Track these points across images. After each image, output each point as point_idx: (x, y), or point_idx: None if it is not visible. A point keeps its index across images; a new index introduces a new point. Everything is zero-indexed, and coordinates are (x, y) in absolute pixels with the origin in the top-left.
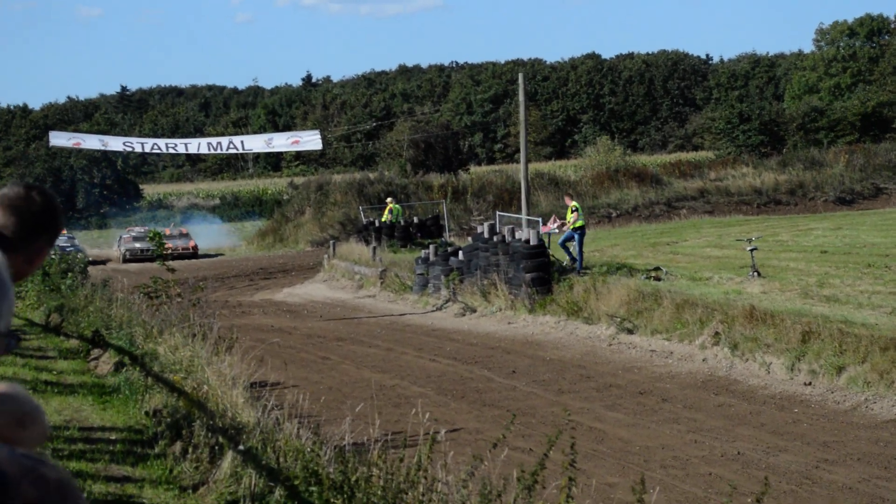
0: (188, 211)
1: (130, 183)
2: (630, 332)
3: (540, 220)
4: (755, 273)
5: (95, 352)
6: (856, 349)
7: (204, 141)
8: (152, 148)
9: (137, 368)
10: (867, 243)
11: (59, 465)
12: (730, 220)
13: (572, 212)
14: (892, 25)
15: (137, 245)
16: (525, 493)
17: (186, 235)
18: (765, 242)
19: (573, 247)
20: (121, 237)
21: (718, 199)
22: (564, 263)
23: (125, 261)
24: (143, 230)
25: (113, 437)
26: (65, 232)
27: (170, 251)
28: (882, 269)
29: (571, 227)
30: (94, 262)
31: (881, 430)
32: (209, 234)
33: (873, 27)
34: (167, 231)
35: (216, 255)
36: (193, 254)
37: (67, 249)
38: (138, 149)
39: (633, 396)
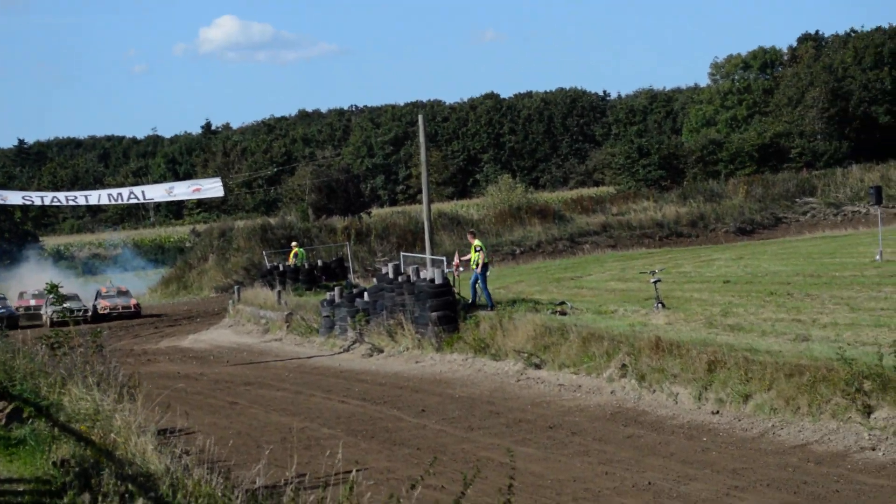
0: (90, 261)
1: (29, 234)
2: (538, 367)
3: (444, 259)
4: (660, 305)
5: (0, 404)
6: (761, 377)
7: (104, 192)
8: (52, 201)
9: (43, 419)
10: (768, 272)
11: None
12: (633, 254)
13: (476, 250)
14: (785, 57)
15: (66, 305)
16: None
17: (126, 293)
18: (668, 274)
19: (479, 287)
20: (47, 298)
21: (621, 232)
22: (479, 302)
23: (53, 324)
24: (71, 292)
25: (20, 489)
26: None
27: (108, 311)
28: (784, 296)
29: (475, 265)
30: (24, 326)
31: (789, 456)
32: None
33: (766, 59)
34: (103, 289)
35: (159, 316)
36: (136, 313)
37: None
38: (38, 202)
39: (543, 431)
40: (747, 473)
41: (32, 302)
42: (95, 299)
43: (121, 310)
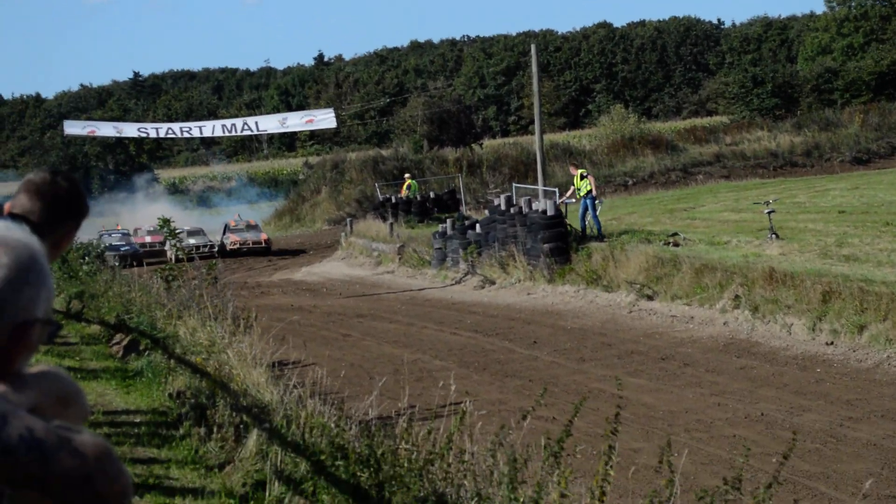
0: (205, 193)
1: (145, 167)
2: (650, 298)
3: (556, 190)
4: (773, 235)
5: (118, 336)
6: (877, 307)
7: (218, 123)
8: (167, 133)
9: (159, 351)
10: (884, 202)
11: (96, 434)
12: (746, 184)
13: (582, 177)
14: None
15: (192, 241)
16: (551, 460)
17: (256, 227)
18: (782, 205)
19: (589, 216)
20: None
21: (734, 163)
22: (590, 233)
23: (177, 260)
24: (194, 226)
25: (137, 420)
26: (119, 227)
27: (238, 246)
28: None
29: (581, 194)
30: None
31: None
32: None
33: None
34: (232, 223)
35: (298, 252)
36: (267, 248)
37: (123, 249)
38: (153, 134)
39: (655, 362)
40: (861, 404)
41: (148, 238)
42: (223, 234)
43: (251, 245)
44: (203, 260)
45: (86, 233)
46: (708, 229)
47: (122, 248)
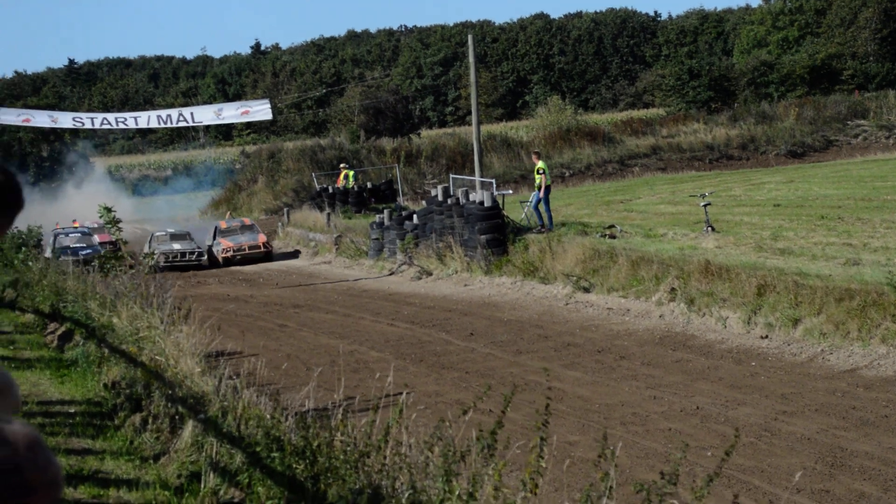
0: (140, 182)
1: (81, 156)
2: (586, 290)
3: (493, 181)
4: (709, 228)
5: (52, 325)
6: (811, 301)
7: (154, 114)
8: (102, 123)
9: (94, 341)
10: (819, 195)
11: (26, 423)
12: (682, 177)
13: (539, 173)
14: None
15: (176, 246)
16: (485, 452)
17: (252, 228)
18: (718, 197)
19: (543, 208)
20: (152, 235)
21: (671, 155)
22: (533, 227)
23: (158, 269)
24: (179, 229)
25: (72, 411)
26: (76, 223)
27: (232, 254)
28: (835, 220)
29: (538, 188)
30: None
31: (838, 381)
32: (161, 206)
33: None
34: (223, 224)
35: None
36: (267, 254)
37: (84, 252)
38: (88, 125)
39: (591, 355)
40: (796, 398)
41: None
42: (213, 238)
43: (247, 251)
44: (188, 271)
45: (24, 224)
46: (644, 222)
47: (84, 252)
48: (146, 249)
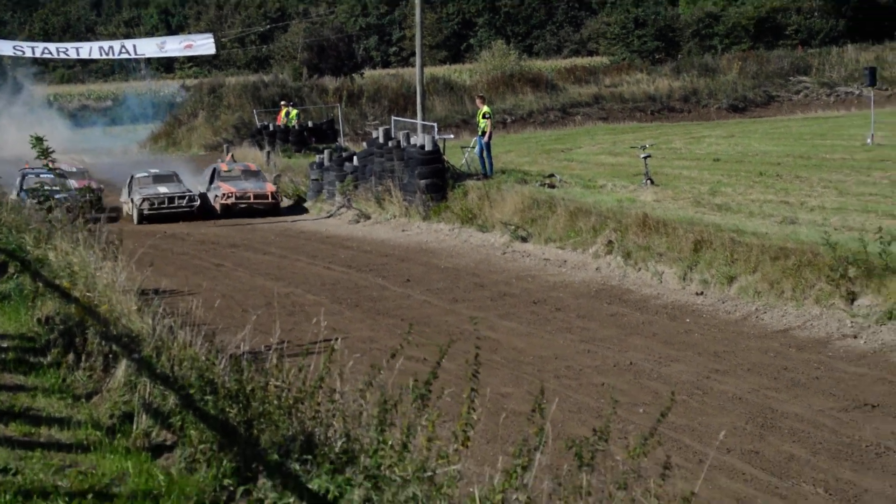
0: (79, 112)
1: (18, 84)
2: (524, 240)
3: (435, 125)
4: (648, 181)
5: None
6: (747, 259)
7: (96, 45)
8: (43, 52)
9: (28, 275)
10: (759, 151)
11: None
12: (624, 127)
13: (484, 117)
14: None
15: (162, 190)
16: (418, 402)
17: (257, 175)
18: (658, 150)
19: (485, 154)
20: (132, 177)
21: (613, 105)
22: (475, 174)
23: (143, 218)
24: (165, 169)
25: (4, 345)
26: (27, 167)
27: (234, 202)
28: (773, 177)
29: (481, 133)
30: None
31: (771, 341)
32: (100, 138)
33: None
34: (223, 167)
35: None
36: (275, 206)
37: (60, 196)
38: (29, 53)
39: (527, 305)
40: (728, 357)
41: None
42: (210, 181)
43: (252, 200)
44: (178, 221)
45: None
46: (584, 172)
47: (59, 196)
48: (125, 195)
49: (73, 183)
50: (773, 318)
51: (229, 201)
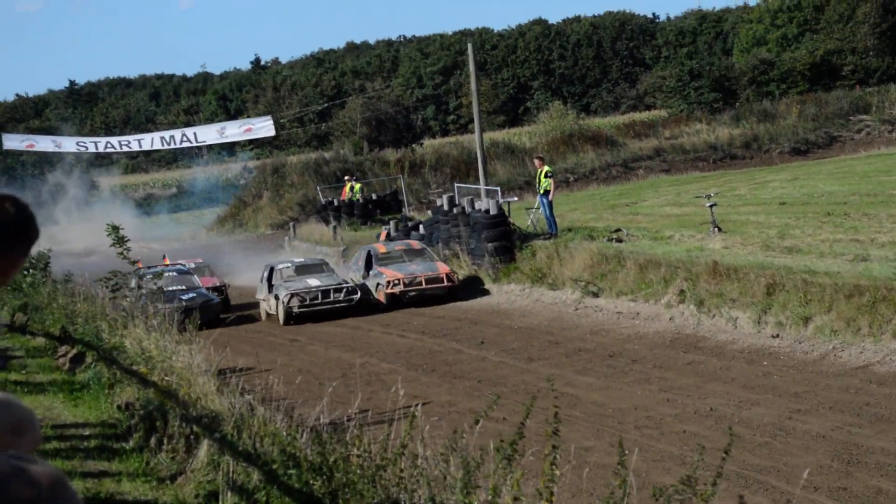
0: (145, 201)
1: (85, 177)
2: (595, 295)
3: (498, 189)
4: (716, 229)
5: (63, 348)
6: (821, 298)
7: (157, 136)
8: (106, 147)
9: (105, 362)
10: (824, 192)
11: (50, 464)
12: (687, 178)
13: (546, 176)
14: None
15: (313, 283)
16: (504, 462)
17: (422, 253)
18: (723, 197)
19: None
20: (272, 269)
21: (674, 156)
22: (541, 234)
23: (290, 318)
24: (310, 258)
25: (86, 433)
26: (166, 260)
27: (403, 289)
28: (841, 216)
29: (543, 192)
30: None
31: (851, 378)
32: (167, 224)
33: None
34: (381, 248)
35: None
36: (450, 291)
37: (187, 298)
38: (92, 148)
39: (602, 359)
40: (809, 396)
41: (211, 280)
42: (367, 267)
43: (424, 286)
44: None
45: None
46: (650, 224)
47: (186, 298)
48: (262, 291)
49: (197, 280)
50: (852, 355)
51: (396, 290)
